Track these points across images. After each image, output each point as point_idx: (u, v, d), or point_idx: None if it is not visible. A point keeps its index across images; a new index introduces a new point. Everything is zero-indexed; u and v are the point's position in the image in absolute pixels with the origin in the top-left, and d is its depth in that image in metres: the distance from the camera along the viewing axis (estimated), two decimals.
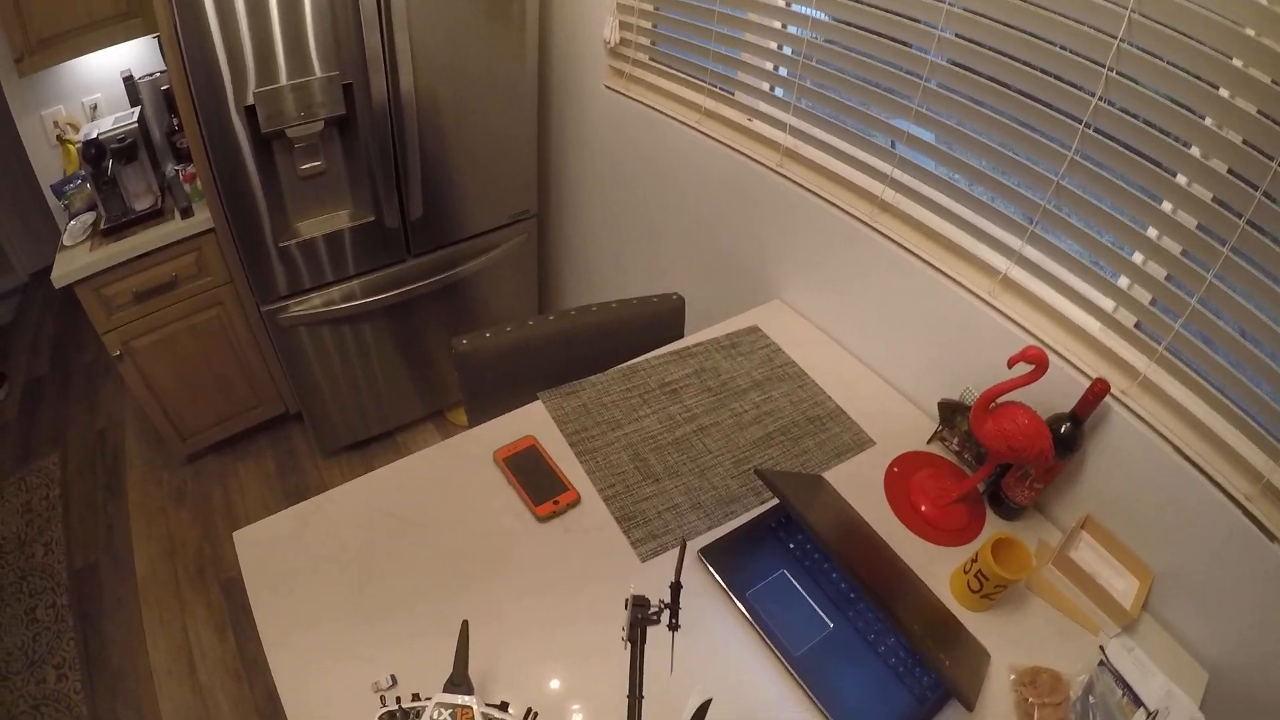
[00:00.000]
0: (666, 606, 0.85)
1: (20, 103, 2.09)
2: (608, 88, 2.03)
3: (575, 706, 1.00)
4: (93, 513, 2.48)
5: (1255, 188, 0.95)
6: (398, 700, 0.88)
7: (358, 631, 1.06)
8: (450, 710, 0.86)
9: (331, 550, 1.16)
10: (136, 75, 2.15)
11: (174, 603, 2.22)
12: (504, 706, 0.89)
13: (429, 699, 0.87)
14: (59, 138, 2.17)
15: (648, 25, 1.86)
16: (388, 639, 1.05)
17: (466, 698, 0.87)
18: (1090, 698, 1.04)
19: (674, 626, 0.85)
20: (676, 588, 0.86)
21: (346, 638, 1.05)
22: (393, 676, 1.00)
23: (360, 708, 0.95)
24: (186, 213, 1.99)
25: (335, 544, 1.17)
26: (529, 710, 0.90)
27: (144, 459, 2.65)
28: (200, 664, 2.08)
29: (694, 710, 0.81)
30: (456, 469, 1.30)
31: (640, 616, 0.84)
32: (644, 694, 0.80)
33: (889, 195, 1.46)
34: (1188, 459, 1.10)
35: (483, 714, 0.87)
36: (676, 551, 0.92)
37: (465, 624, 0.95)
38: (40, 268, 3.41)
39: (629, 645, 0.83)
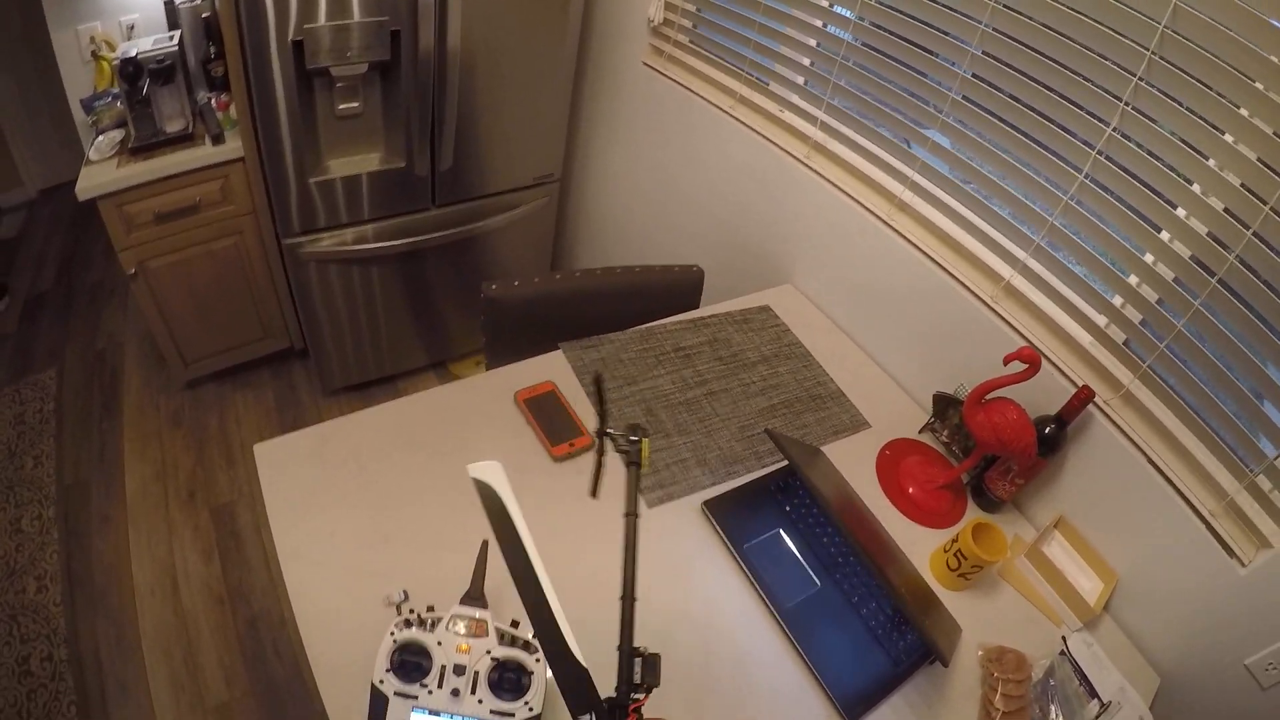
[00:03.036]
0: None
1: (57, 15, 2.08)
2: (646, 65, 2.07)
3: (580, 633, 1.06)
4: (86, 430, 2.48)
5: (1247, 227, 1.03)
6: (413, 610, 0.90)
7: (372, 549, 1.10)
8: (466, 622, 0.90)
9: (351, 470, 1.19)
10: (177, 1, 2.16)
11: (162, 525, 2.23)
12: (515, 625, 0.92)
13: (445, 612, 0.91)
14: (93, 54, 2.18)
15: (692, 8, 1.91)
16: (400, 557, 1.09)
17: (483, 611, 0.91)
18: (1051, 680, 1.11)
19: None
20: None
21: (360, 554, 1.09)
22: (405, 591, 1.03)
23: (369, 621, 0.97)
24: (218, 139, 2.00)
25: (355, 465, 1.20)
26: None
27: (142, 381, 2.64)
28: (184, 586, 2.09)
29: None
30: (478, 405, 1.35)
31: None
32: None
33: (907, 196, 1.52)
34: (1160, 471, 1.18)
35: (496, 628, 0.90)
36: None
37: (485, 544, 0.98)
38: (50, 185, 3.38)
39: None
